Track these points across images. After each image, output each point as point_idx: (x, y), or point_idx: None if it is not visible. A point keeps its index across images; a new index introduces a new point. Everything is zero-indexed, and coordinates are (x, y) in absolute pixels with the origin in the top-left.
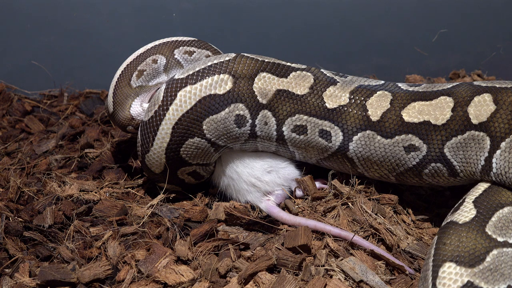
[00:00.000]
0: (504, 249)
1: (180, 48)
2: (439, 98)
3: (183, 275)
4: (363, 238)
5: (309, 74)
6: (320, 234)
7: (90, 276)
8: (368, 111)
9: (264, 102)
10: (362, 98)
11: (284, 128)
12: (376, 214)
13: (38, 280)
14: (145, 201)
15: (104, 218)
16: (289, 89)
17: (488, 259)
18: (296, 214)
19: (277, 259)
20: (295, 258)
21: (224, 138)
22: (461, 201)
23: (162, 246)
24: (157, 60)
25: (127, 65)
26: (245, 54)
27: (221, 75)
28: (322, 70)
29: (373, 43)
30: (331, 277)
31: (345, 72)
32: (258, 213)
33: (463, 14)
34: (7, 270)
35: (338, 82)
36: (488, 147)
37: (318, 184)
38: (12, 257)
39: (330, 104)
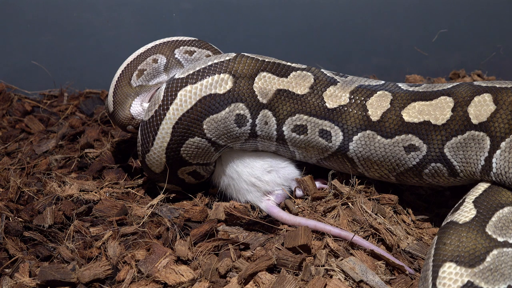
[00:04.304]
0: (504, 249)
1: (181, 47)
2: (439, 98)
3: (183, 275)
4: (363, 238)
5: (309, 74)
6: (320, 234)
7: (90, 276)
8: (368, 111)
9: (265, 101)
10: (362, 98)
11: (284, 128)
12: (376, 214)
13: (38, 280)
14: (145, 201)
15: (104, 218)
16: (290, 89)
17: (488, 259)
18: (296, 214)
19: (277, 259)
20: (295, 258)
21: (225, 138)
22: (461, 201)
23: (162, 246)
24: (158, 59)
25: (128, 64)
26: (245, 54)
27: (221, 75)
28: (322, 70)
29: (373, 43)
30: (331, 277)
31: (345, 72)
32: (258, 213)
33: (463, 14)
34: (7, 270)
35: (338, 82)
36: (488, 147)
37: (318, 184)
38: (12, 257)
39: (330, 104)
